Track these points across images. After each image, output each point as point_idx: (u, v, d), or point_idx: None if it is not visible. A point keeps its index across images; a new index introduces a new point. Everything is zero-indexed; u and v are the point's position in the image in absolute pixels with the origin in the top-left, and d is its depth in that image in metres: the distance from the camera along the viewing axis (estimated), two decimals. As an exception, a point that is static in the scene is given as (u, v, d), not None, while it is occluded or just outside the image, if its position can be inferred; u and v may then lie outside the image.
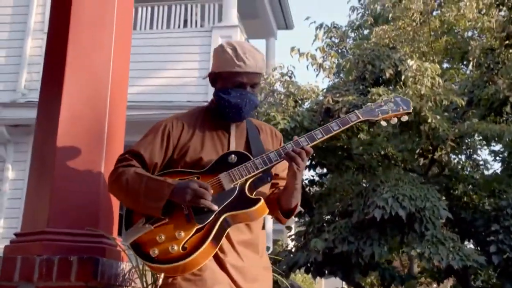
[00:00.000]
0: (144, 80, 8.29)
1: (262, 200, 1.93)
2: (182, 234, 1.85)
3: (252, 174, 1.94)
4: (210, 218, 1.87)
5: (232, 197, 1.92)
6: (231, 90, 2.02)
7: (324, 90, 8.07)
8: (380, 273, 8.10)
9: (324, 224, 7.48)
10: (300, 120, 7.16)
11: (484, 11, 9.07)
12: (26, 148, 7.99)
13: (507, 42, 7.86)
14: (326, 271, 7.51)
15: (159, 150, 2.01)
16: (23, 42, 8.73)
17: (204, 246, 1.83)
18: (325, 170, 8.72)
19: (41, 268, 2.25)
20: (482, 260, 6.49)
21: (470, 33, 10.02)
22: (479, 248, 7.42)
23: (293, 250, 8.09)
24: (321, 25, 9.07)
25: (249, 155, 1.98)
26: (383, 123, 2.10)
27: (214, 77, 2.09)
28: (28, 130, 7.86)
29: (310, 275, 8.34)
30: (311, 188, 8.99)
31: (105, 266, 2.34)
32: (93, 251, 2.37)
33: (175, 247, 1.83)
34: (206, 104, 2.18)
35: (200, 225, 1.86)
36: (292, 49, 7.78)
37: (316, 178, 9.10)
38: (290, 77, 8.31)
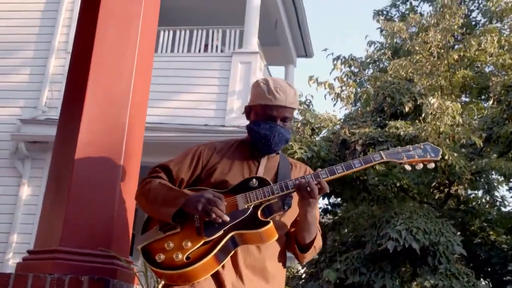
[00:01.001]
0: (162, 102, 8.38)
1: (271, 223, 1.95)
2: (189, 244, 1.91)
3: (267, 198, 1.97)
4: (219, 233, 1.92)
5: (243, 217, 1.95)
6: (262, 122, 2.09)
7: (342, 120, 8.08)
8: (391, 307, 7.94)
9: (337, 254, 7.41)
10: (317, 150, 7.17)
11: (506, 47, 9.07)
12: (43, 164, 8.09)
13: (528, 80, 7.81)
14: (336, 303, 7.40)
15: (188, 167, 2.10)
16: (46, 60, 8.91)
17: (206, 259, 1.87)
18: (339, 199, 8.67)
19: (51, 286, 2.26)
20: None
21: (490, 68, 9.99)
22: (493, 287, 7.26)
23: (303, 276, 8.00)
24: (338, 57, 9.14)
25: (270, 182, 2.01)
26: (408, 167, 2.08)
27: (248, 111, 2.18)
28: (46, 147, 7.97)
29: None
30: (324, 217, 8.93)
31: (115, 287, 2.34)
32: (104, 272, 2.38)
33: (180, 256, 1.89)
34: (243, 137, 2.25)
35: (208, 238, 1.91)
36: (310, 78, 7.84)
37: (330, 207, 9.05)
38: (308, 105, 8.34)
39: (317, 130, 8.03)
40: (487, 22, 10.67)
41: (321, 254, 7.67)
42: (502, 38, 8.55)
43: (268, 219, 1.96)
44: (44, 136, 7.99)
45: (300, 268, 9.35)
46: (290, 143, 7.02)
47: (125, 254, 2.59)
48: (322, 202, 11.27)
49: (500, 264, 7.14)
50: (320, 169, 2.02)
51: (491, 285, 7.47)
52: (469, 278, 6.38)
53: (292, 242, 2.11)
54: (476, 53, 9.11)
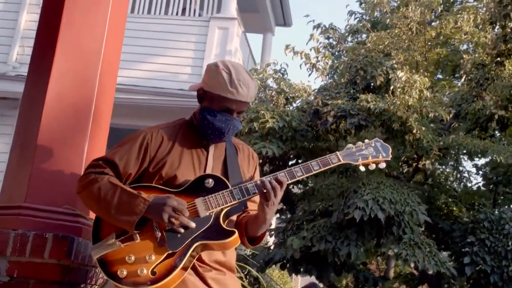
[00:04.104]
0: (137, 64, 8.26)
1: (236, 233, 1.92)
2: (153, 257, 1.84)
3: (229, 204, 1.94)
4: (183, 245, 1.86)
5: (207, 226, 1.90)
6: (217, 113, 2.00)
7: (316, 91, 8.11)
8: (354, 274, 8.17)
9: (304, 222, 7.54)
10: (289, 120, 7.21)
11: (481, 26, 9.16)
12: (13, 121, 7.92)
13: (497, 59, 7.94)
14: (302, 269, 7.57)
15: (135, 161, 1.98)
16: (17, 15, 8.65)
17: (174, 273, 1.82)
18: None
19: (15, 242, 2.26)
20: (454, 271, 6.60)
21: (465, 47, 10.10)
22: (453, 258, 7.52)
23: (271, 246, 8.14)
24: (318, 25, 9.10)
25: (226, 182, 1.97)
26: (362, 168, 2.11)
27: (202, 95, 2.06)
28: (16, 104, 7.81)
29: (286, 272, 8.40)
30: (295, 187, 9.04)
31: (80, 246, 2.35)
32: (69, 230, 2.38)
33: (144, 271, 1.82)
34: (187, 118, 2.16)
35: (173, 251, 1.85)
36: (287, 46, 7.81)
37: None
38: (283, 74, 8.33)
39: (291, 100, 8.05)
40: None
41: (288, 223, 7.80)
42: (478, 16, 8.62)
43: (233, 229, 1.93)
44: (14, 93, 7.82)
45: (268, 238, 9.49)
46: (262, 111, 7.04)
47: (91, 213, 2.59)
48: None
49: (460, 237, 7.38)
50: (279, 172, 1.98)
51: (451, 256, 7.73)
52: (431, 249, 6.59)
53: (241, 231, 2.04)
54: (452, 31, 9.18)
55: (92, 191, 1.91)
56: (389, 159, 2.14)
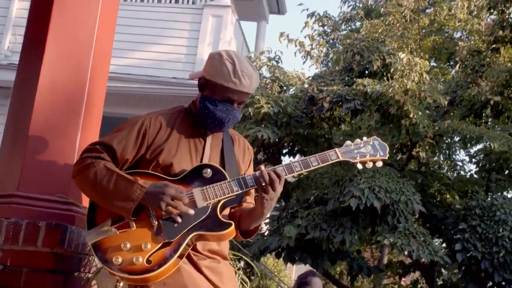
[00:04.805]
0: (130, 53, 8.23)
1: (233, 225, 1.92)
2: (149, 246, 1.83)
3: (227, 196, 1.93)
4: (179, 235, 1.85)
5: (204, 217, 1.89)
6: (219, 103, 1.99)
7: (310, 78, 8.10)
8: (348, 263, 8.23)
9: (299, 210, 7.56)
10: (283, 106, 7.20)
11: (475, 13, 9.15)
12: (5, 111, 7.88)
13: (494, 45, 7.94)
14: (297, 258, 7.61)
15: (133, 147, 1.96)
16: (9, 3, 8.58)
17: (169, 263, 1.82)
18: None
19: (8, 231, 2.25)
20: (447, 259, 6.66)
21: (459, 34, 10.10)
22: (446, 244, 7.58)
23: (265, 234, 8.17)
24: (312, 13, 9.07)
25: (224, 172, 1.96)
26: (359, 166, 2.12)
27: (204, 83, 2.04)
28: (8, 93, 7.74)
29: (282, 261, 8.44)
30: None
31: (73, 234, 2.35)
32: (62, 218, 2.37)
33: (140, 259, 1.81)
34: (185, 105, 2.14)
35: (169, 240, 1.85)
36: (281, 34, 7.79)
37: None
38: (277, 62, 8.32)
39: (285, 88, 8.04)
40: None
41: (283, 211, 7.83)
42: (472, 3, 8.62)
43: (230, 221, 1.93)
44: (7, 82, 7.75)
45: (263, 225, 9.52)
46: (257, 97, 7.02)
47: (84, 201, 2.59)
48: (288, 161, 11.43)
49: (452, 224, 7.44)
50: (278, 166, 1.98)
51: (443, 243, 7.80)
52: (425, 238, 6.65)
53: (235, 223, 2.01)
54: (446, 18, 9.18)
55: (88, 176, 1.89)
56: (386, 158, 2.16)
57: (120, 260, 1.81)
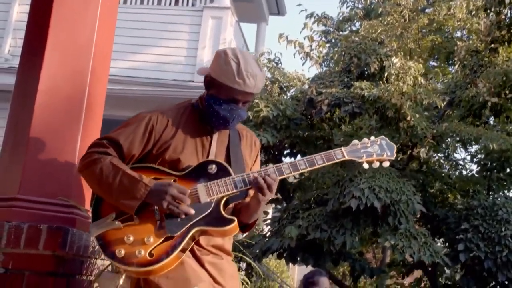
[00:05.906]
0: (131, 55, 8.23)
1: (236, 221, 1.93)
2: (151, 239, 1.85)
3: (230, 192, 1.95)
4: (182, 230, 1.87)
5: (207, 212, 1.91)
6: (223, 102, 1.99)
7: (310, 79, 8.10)
8: (350, 263, 8.22)
9: (300, 211, 7.56)
10: (283, 109, 7.21)
11: (474, 12, 9.14)
12: (5, 114, 7.88)
13: (491, 46, 7.94)
14: (299, 258, 7.61)
15: (139, 143, 1.97)
16: (9, 6, 8.59)
17: (171, 257, 1.84)
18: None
19: (9, 234, 2.26)
20: (448, 261, 6.65)
21: (458, 34, 10.09)
22: (448, 245, 7.57)
23: (267, 235, 8.17)
24: (311, 14, 9.07)
25: (229, 169, 1.98)
26: (365, 166, 2.10)
27: (210, 81, 2.04)
28: (9, 96, 7.67)
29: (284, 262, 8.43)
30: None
31: (74, 237, 2.35)
32: (63, 221, 2.38)
33: (142, 252, 1.83)
34: (193, 101, 2.14)
35: (172, 235, 1.86)
36: (280, 35, 7.80)
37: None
38: (277, 63, 8.32)
39: (285, 89, 8.05)
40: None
41: (284, 212, 7.82)
42: (471, 2, 8.61)
43: (233, 217, 1.94)
44: (7, 85, 7.72)
45: (265, 226, 9.52)
46: (257, 100, 7.03)
47: (85, 204, 2.60)
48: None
49: (454, 224, 7.42)
50: (282, 163, 2.00)
51: (445, 243, 7.78)
52: (426, 239, 6.64)
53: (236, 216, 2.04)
54: (445, 18, 9.17)
55: (94, 171, 1.90)
56: (394, 158, 2.13)
57: (122, 252, 1.84)
